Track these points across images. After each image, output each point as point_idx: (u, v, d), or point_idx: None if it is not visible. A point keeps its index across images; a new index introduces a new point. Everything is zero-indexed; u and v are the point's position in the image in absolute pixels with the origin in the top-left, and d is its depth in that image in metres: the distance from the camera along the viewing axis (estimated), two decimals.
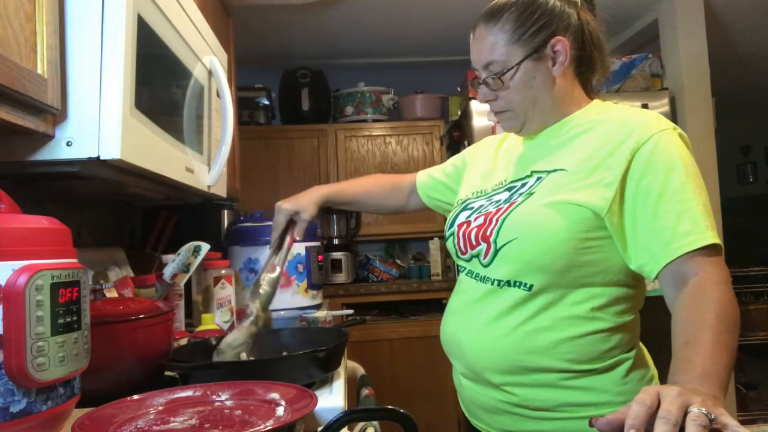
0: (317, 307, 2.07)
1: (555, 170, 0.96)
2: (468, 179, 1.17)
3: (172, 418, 0.73)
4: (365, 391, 1.28)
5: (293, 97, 3.38)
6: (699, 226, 0.84)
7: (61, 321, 0.66)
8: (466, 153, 1.26)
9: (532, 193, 0.96)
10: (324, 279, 2.05)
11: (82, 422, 0.68)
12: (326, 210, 3.27)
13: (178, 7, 1.21)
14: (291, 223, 1.26)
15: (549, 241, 0.91)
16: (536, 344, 0.92)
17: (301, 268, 1.99)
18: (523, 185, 1.00)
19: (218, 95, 1.53)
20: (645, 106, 2.87)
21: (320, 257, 2.14)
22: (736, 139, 5.65)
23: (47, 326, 0.65)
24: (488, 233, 0.97)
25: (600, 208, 0.89)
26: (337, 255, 3.26)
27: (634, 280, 0.94)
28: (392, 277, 3.39)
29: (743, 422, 3.01)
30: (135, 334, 0.99)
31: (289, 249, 1.22)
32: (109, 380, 0.93)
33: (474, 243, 1.00)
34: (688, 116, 2.90)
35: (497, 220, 0.97)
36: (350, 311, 2.12)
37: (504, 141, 1.16)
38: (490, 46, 0.99)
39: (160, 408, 0.77)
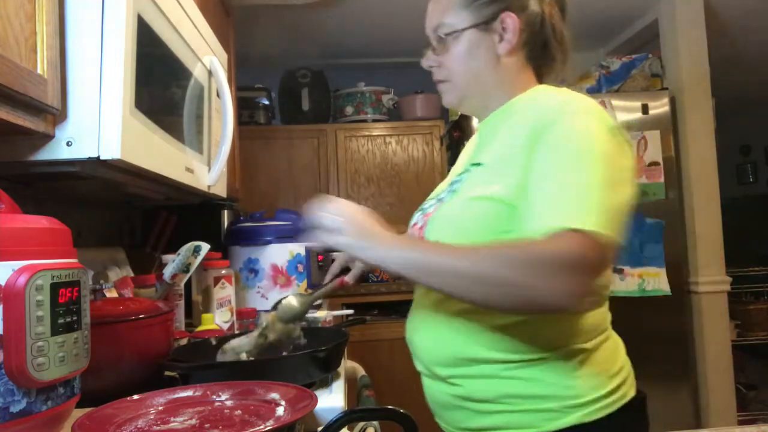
0: (317, 307, 2.07)
1: (477, 164, 0.94)
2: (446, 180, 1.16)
3: (172, 418, 0.73)
4: (365, 391, 1.28)
5: (293, 97, 3.38)
6: (566, 207, 0.78)
7: (61, 321, 0.66)
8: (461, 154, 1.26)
9: (455, 191, 0.95)
10: (324, 279, 2.05)
11: (82, 422, 0.68)
12: None
13: (178, 7, 1.21)
14: (346, 268, 1.24)
15: (465, 240, 0.88)
16: (474, 334, 0.90)
17: (301, 268, 1.99)
18: (458, 182, 0.97)
19: (218, 95, 1.53)
20: (645, 106, 2.87)
21: (320, 257, 2.14)
22: (736, 139, 5.65)
23: (47, 326, 0.65)
24: (422, 235, 0.97)
25: (511, 198, 0.85)
26: (337, 255, 3.26)
27: None
28: (392, 277, 3.39)
29: (743, 422, 2.99)
30: (135, 334, 0.99)
31: (334, 288, 1.20)
32: (109, 380, 0.93)
33: None
34: (688, 116, 2.90)
35: (426, 222, 0.98)
36: (350, 311, 2.12)
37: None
38: (443, 7, 0.98)
39: (160, 408, 0.77)
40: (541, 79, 1.01)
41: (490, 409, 0.89)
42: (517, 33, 0.95)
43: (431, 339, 0.96)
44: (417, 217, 1.05)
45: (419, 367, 1.02)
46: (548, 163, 0.83)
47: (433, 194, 1.10)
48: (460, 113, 2.99)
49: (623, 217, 0.81)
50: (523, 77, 0.99)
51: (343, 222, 0.89)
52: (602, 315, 0.94)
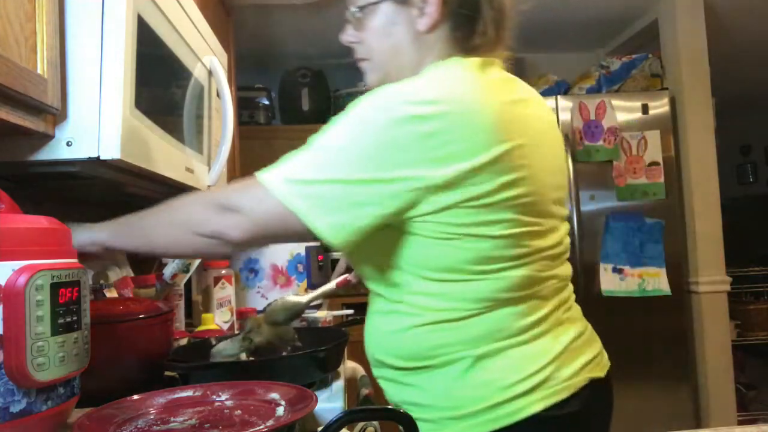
0: (317, 307, 2.07)
1: None
2: None
3: (172, 418, 0.73)
4: (365, 391, 1.28)
5: (293, 97, 3.38)
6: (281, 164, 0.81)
7: (61, 321, 0.66)
8: None
9: None
10: (324, 279, 2.05)
11: (82, 422, 0.68)
12: None
13: (178, 7, 1.21)
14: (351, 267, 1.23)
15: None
16: (376, 339, 0.89)
17: (301, 268, 1.99)
18: None
19: (218, 95, 1.53)
20: (645, 106, 2.87)
21: (320, 257, 2.14)
22: (736, 139, 5.65)
23: (47, 326, 0.65)
24: None
25: None
26: (337, 255, 3.26)
27: (447, 272, 0.81)
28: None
29: (743, 422, 3.00)
30: (135, 334, 0.99)
31: (337, 286, 1.20)
32: (109, 380, 0.92)
33: None
34: (688, 116, 2.90)
35: None
36: (350, 311, 2.12)
37: None
38: None
39: (160, 408, 0.77)
40: (469, 54, 0.87)
41: None
42: (438, 7, 0.84)
43: (364, 339, 0.94)
44: None
45: None
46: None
47: None
48: None
49: (329, 200, 0.76)
50: (444, 53, 0.87)
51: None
52: (502, 321, 0.82)
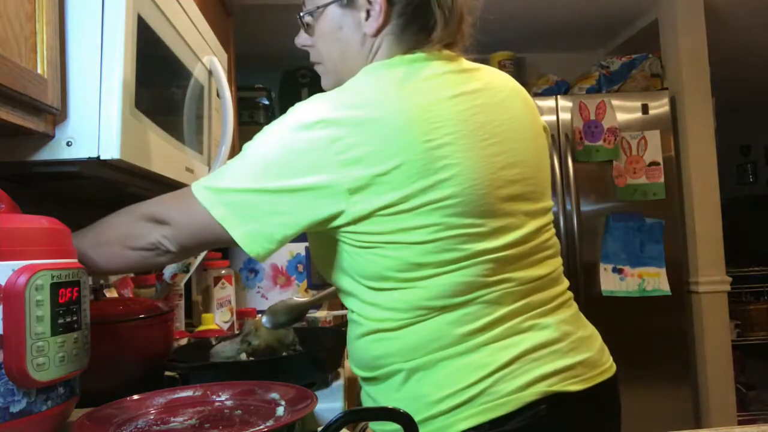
0: (317, 307, 2.07)
1: None
2: None
3: (172, 418, 0.73)
4: None
5: (293, 98, 3.38)
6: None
7: (61, 321, 0.66)
8: None
9: None
10: (324, 279, 2.05)
11: (82, 422, 0.68)
12: None
13: (178, 7, 1.21)
14: None
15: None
16: (349, 347, 0.89)
17: (301, 268, 1.99)
18: None
19: (218, 95, 1.53)
20: (645, 106, 2.87)
21: None
22: (736, 139, 5.65)
23: (47, 326, 0.65)
24: None
25: None
26: None
27: (377, 281, 0.79)
28: None
29: (743, 422, 3.01)
30: (135, 334, 0.99)
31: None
32: (109, 380, 0.92)
33: None
34: (688, 116, 2.90)
35: None
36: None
37: None
38: None
39: (160, 408, 0.77)
40: (416, 50, 0.84)
41: None
42: (384, 8, 0.82)
43: None
44: None
45: None
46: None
47: None
48: None
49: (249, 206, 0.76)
50: (391, 52, 0.85)
51: None
52: (438, 330, 0.78)
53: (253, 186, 0.76)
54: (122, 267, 0.89)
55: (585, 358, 0.82)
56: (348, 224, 0.76)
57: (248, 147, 0.80)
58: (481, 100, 0.82)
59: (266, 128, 0.80)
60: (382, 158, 0.73)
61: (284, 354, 1.09)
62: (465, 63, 0.87)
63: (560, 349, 0.80)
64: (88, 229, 0.89)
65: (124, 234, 0.86)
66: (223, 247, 1.95)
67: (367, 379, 0.85)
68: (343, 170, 0.73)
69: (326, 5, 0.86)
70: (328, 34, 0.88)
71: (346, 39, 0.87)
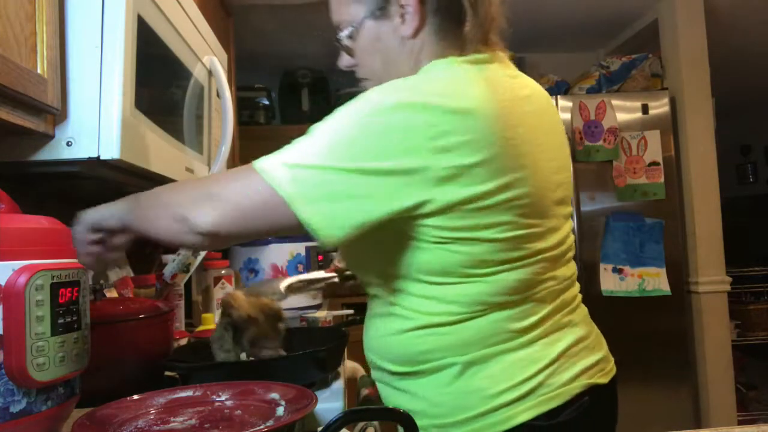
0: (317, 307, 2.07)
1: None
2: None
3: (172, 418, 0.73)
4: (365, 391, 1.28)
5: (293, 97, 3.38)
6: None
7: (61, 321, 0.67)
8: None
9: None
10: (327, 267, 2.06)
11: (82, 422, 0.68)
12: None
13: (178, 7, 1.21)
14: None
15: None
16: (373, 342, 0.87)
17: (301, 268, 1.99)
18: None
19: (218, 95, 1.53)
20: (645, 106, 2.87)
21: (320, 257, 2.14)
22: (736, 139, 5.65)
23: (47, 326, 0.65)
24: None
25: None
26: (337, 254, 3.26)
27: (440, 275, 0.79)
28: None
29: (743, 422, 3.01)
30: (135, 334, 1.00)
31: (325, 276, 1.20)
32: (109, 380, 0.93)
33: None
34: (688, 116, 2.90)
35: None
36: (350, 311, 2.12)
37: None
38: (336, 5, 0.91)
39: (160, 408, 0.77)
40: (464, 48, 0.85)
41: None
42: (417, 8, 0.83)
43: (363, 342, 0.94)
44: None
45: None
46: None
47: None
48: None
49: (334, 200, 0.72)
50: (437, 52, 0.85)
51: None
52: (494, 326, 0.79)
53: (332, 164, 0.72)
54: (163, 235, 0.80)
55: (604, 354, 0.88)
56: (430, 215, 0.74)
57: (319, 127, 0.76)
58: (532, 106, 0.84)
59: (340, 110, 0.76)
60: (473, 150, 0.73)
61: (272, 332, 1.08)
62: (512, 68, 0.89)
63: (589, 345, 0.85)
64: (162, 187, 0.84)
65: (174, 201, 0.79)
66: (224, 248, 1.95)
67: (404, 374, 0.83)
68: (434, 157, 0.71)
69: (361, 22, 0.86)
70: (368, 47, 0.88)
71: (386, 48, 0.87)
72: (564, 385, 0.79)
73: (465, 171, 0.73)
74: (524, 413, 0.77)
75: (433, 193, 0.73)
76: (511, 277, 0.78)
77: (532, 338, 0.80)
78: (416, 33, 0.84)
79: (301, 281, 1.17)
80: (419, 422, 0.75)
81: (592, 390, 0.81)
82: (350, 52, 0.90)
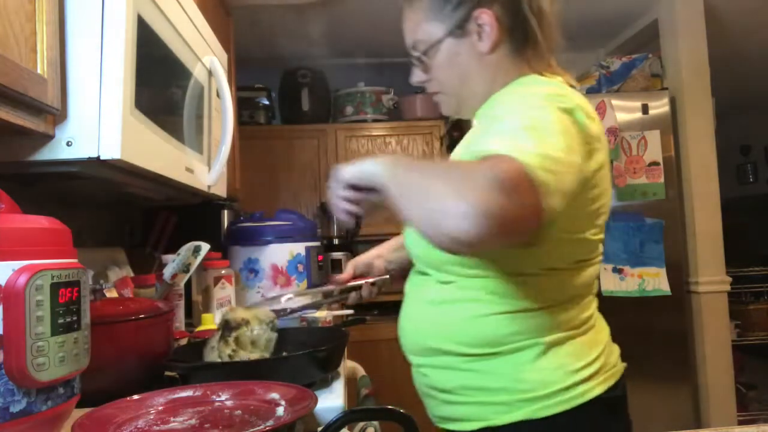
0: (317, 307, 2.06)
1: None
2: None
3: (172, 418, 0.73)
4: (365, 391, 1.28)
5: (293, 97, 3.38)
6: (500, 139, 0.72)
7: (61, 321, 0.66)
8: None
9: None
10: (324, 279, 2.05)
11: (82, 422, 0.68)
12: (326, 209, 3.27)
13: (178, 7, 1.21)
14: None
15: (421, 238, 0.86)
16: (440, 326, 0.91)
17: (301, 268, 1.99)
18: None
19: (218, 95, 1.53)
20: (645, 106, 2.87)
21: (320, 257, 2.14)
22: (736, 139, 5.65)
23: (47, 326, 0.65)
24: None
25: None
26: (337, 255, 3.26)
27: (537, 268, 0.87)
28: None
29: (743, 422, 3.00)
30: (135, 334, 1.00)
31: (330, 288, 1.21)
32: (109, 380, 0.93)
33: None
34: (688, 116, 2.90)
35: None
36: (350, 311, 2.12)
37: None
38: (413, 25, 0.96)
39: (160, 408, 0.77)
40: (530, 64, 0.94)
41: (451, 399, 0.91)
42: (494, 26, 0.90)
43: (409, 329, 0.97)
44: None
45: (405, 356, 1.03)
46: (492, 119, 0.80)
47: None
48: None
49: (567, 183, 0.72)
50: (512, 69, 0.93)
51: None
52: (570, 312, 0.90)
53: (574, 161, 0.75)
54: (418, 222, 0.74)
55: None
56: (565, 213, 0.77)
57: (523, 118, 0.74)
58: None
59: (525, 100, 0.82)
60: (600, 158, 0.86)
61: (267, 338, 1.08)
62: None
63: (609, 333, 0.99)
64: (439, 168, 0.79)
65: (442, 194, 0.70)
66: (224, 247, 1.95)
67: (481, 355, 0.88)
68: (587, 159, 0.82)
69: (440, 40, 0.93)
70: (446, 63, 0.94)
71: (464, 63, 0.93)
72: (615, 365, 0.93)
73: (594, 175, 0.85)
74: (597, 387, 0.88)
75: (581, 190, 0.82)
76: (590, 272, 0.92)
77: (590, 326, 0.93)
78: (493, 49, 0.92)
79: (300, 300, 1.18)
80: (501, 398, 0.87)
81: (624, 372, 0.95)
82: (426, 68, 0.97)
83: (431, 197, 0.69)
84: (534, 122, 0.74)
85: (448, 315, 0.90)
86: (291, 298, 1.17)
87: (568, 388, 0.86)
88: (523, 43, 0.93)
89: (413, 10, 0.96)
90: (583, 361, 0.88)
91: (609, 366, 0.92)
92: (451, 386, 0.90)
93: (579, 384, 0.87)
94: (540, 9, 0.93)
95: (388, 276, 1.22)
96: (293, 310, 1.19)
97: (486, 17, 0.90)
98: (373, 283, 1.20)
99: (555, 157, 0.70)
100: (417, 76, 1.00)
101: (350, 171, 0.87)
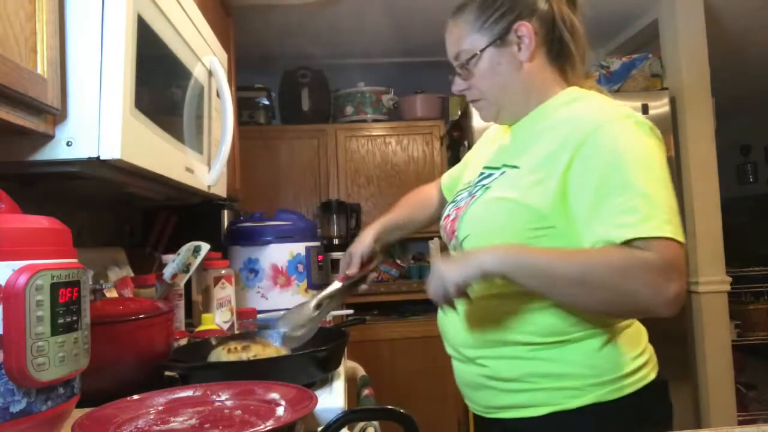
0: (317, 306, 2.06)
1: (513, 166, 0.99)
2: (469, 170, 1.19)
3: (172, 418, 0.73)
4: (365, 391, 1.28)
5: (293, 97, 3.38)
6: (634, 218, 0.84)
7: (61, 321, 0.66)
8: (477, 143, 1.29)
9: (488, 188, 1.00)
10: (324, 279, 2.05)
11: (82, 422, 0.68)
12: (326, 209, 3.28)
13: (178, 7, 1.21)
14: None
15: (495, 238, 0.94)
16: (501, 318, 0.96)
17: (301, 268, 1.99)
18: (488, 177, 1.03)
19: (218, 95, 1.53)
20: (645, 106, 2.87)
21: (320, 257, 2.14)
22: (736, 139, 5.65)
23: (47, 326, 0.65)
24: (454, 228, 1.03)
25: (541, 207, 0.91)
26: (337, 255, 3.23)
27: None
28: (392, 277, 3.38)
29: (743, 422, 3.00)
30: (135, 334, 0.99)
31: (340, 287, 1.21)
32: (109, 380, 0.93)
33: (450, 236, 1.06)
34: (688, 116, 2.90)
35: (460, 216, 1.02)
36: (350, 311, 2.12)
37: (506, 129, 1.13)
38: (457, 37, 1.04)
39: (160, 408, 0.77)
40: (565, 74, 1.04)
41: (514, 387, 0.95)
42: (533, 38, 0.99)
43: (461, 323, 1.00)
44: (449, 209, 1.10)
45: (449, 350, 1.07)
46: (600, 172, 0.87)
47: (463, 185, 1.14)
48: (460, 112, 2.99)
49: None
50: (549, 77, 1.02)
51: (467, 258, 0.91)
52: None
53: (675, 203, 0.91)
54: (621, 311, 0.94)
55: None
56: None
57: (638, 177, 0.86)
58: None
59: (641, 161, 0.89)
60: None
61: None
62: None
63: None
64: (572, 266, 0.87)
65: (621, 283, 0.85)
66: (224, 247, 1.95)
67: (550, 344, 0.94)
68: None
69: (483, 50, 1.00)
70: (488, 71, 1.02)
71: (505, 72, 1.01)
72: (653, 354, 1.01)
73: None
74: (651, 373, 0.98)
75: None
76: None
77: (633, 318, 1.01)
78: (531, 59, 1.00)
79: (325, 298, 1.18)
80: (571, 383, 0.93)
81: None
82: (467, 77, 1.03)
83: (617, 291, 0.84)
84: (650, 183, 0.86)
85: (512, 307, 0.95)
86: (320, 305, 1.16)
87: (632, 373, 0.94)
88: (559, 53, 1.02)
89: (457, 24, 1.04)
90: (639, 349, 0.98)
91: (653, 355, 1.01)
92: (516, 375, 0.95)
93: (640, 369, 0.96)
94: (572, 24, 1.02)
95: (382, 258, 1.27)
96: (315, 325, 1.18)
97: (525, 29, 0.99)
98: (374, 269, 1.24)
99: (677, 210, 0.88)
100: (458, 85, 1.06)
101: (461, 275, 0.88)
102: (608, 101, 0.98)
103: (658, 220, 0.84)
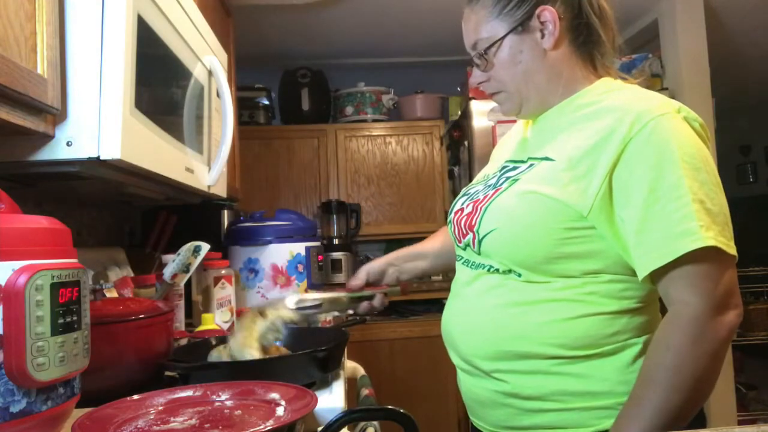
0: (317, 306, 2.06)
1: (545, 158, 0.89)
2: (488, 167, 1.11)
3: (172, 418, 0.73)
4: (365, 391, 1.28)
5: (293, 97, 3.38)
6: (691, 226, 0.77)
7: (61, 321, 0.66)
8: (494, 149, 1.19)
9: (516, 180, 0.91)
10: (324, 279, 2.05)
11: (82, 422, 0.68)
12: (326, 209, 3.28)
13: (178, 7, 1.21)
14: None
15: (526, 234, 0.86)
16: (523, 328, 0.87)
17: (301, 268, 1.99)
18: (513, 169, 0.94)
19: (218, 95, 1.53)
20: None
21: (320, 257, 2.14)
22: (736, 139, 5.64)
23: (47, 326, 0.65)
24: (473, 222, 0.93)
25: (580, 206, 0.83)
26: (337, 255, 3.26)
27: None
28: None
29: (743, 422, 3.00)
30: (135, 334, 0.99)
31: (339, 293, 1.21)
32: (109, 380, 0.93)
33: (465, 231, 0.95)
34: None
35: (481, 209, 0.92)
36: (350, 311, 2.11)
37: (527, 124, 1.04)
38: (474, 24, 0.96)
39: (160, 408, 0.77)
40: (594, 63, 0.96)
41: (539, 407, 0.86)
42: (557, 23, 0.91)
43: (474, 331, 0.92)
44: (462, 202, 1.00)
45: (456, 360, 0.98)
46: (651, 179, 0.80)
47: (478, 179, 1.06)
48: (460, 112, 2.99)
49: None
50: (576, 66, 0.94)
51: None
52: (656, 312, 0.91)
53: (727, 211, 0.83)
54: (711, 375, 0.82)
55: None
56: None
57: (692, 186, 0.80)
58: None
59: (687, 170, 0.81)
60: None
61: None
62: None
63: None
64: (660, 367, 0.80)
65: (707, 344, 0.79)
66: (224, 247, 1.95)
67: (577, 357, 0.85)
68: None
69: (503, 37, 0.93)
70: (509, 60, 0.94)
71: (527, 61, 0.93)
72: None
73: None
74: None
75: None
76: None
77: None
78: (556, 47, 0.92)
79: (312, 300, 1.18)
80: (605, 402, 0.83)
81: None
82: (486, 67, 0.96)
83: (699, 359, 0.78)
84: (701, 190, 0.79)
85: (535, 316, 0.86)
86: (299, 300, 1.16)
87: None
88: (587, 41, 0.94)
89: (474, 11, 0.96)
90: None
91: None
92: (541, 393, 0.86)
93: None
94: (601, 7, 0.94)
95: (398, 287, 1.21)
96: (311, 308, 1.18)
97: (548, 14, 0.91)
98: (385, 294, 1.19)
99: (730, 223, 0.81)
100: (476, 77, 0.99)
101: None
102: (645, 92, 0.90)
103: (706, 229, 0.77)
